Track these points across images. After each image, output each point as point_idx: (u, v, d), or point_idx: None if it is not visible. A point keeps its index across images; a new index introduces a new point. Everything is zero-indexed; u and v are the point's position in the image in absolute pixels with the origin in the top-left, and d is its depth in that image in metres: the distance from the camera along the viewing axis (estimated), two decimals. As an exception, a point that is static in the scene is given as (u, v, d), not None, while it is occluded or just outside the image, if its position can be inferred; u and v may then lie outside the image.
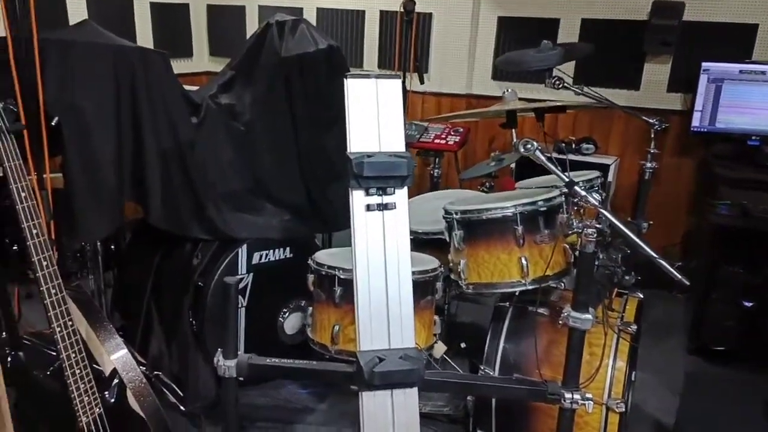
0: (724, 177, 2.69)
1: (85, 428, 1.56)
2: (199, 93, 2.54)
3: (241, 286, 2.29)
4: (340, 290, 1.80)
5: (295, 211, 2.54)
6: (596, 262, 1.77)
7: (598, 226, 1.46)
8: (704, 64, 2.86)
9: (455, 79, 3.59)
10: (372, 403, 1.43)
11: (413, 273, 1.49)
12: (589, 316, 1.48)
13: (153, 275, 2.40)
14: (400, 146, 1.48)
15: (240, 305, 2.31)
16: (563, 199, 1.74)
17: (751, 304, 2.61)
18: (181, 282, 2.30)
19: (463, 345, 2.57)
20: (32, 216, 1.45)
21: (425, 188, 2.96)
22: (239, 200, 2.42)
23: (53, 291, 1.50)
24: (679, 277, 1.42)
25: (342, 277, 1.80)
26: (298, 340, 2.47)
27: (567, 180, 1.51)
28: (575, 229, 1.49)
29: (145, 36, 3.80)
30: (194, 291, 2.26)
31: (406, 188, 1.46)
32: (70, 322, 1.53)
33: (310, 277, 1.99)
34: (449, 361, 2.35)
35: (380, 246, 1.46)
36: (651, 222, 2.37)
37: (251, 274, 2.32)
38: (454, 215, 1.78)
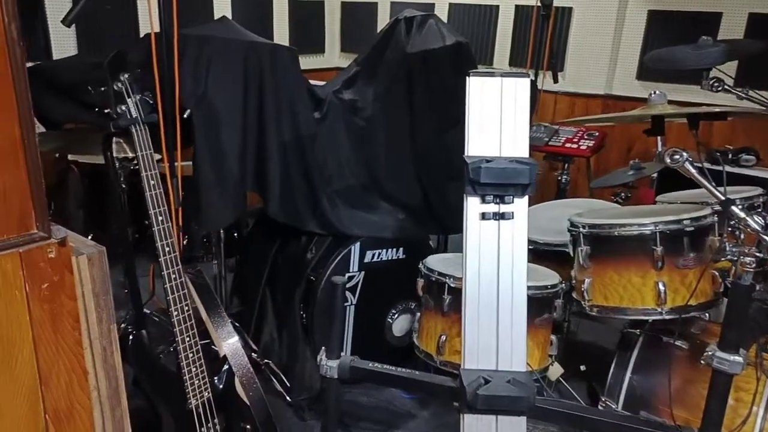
0: None
1: (194, 410, 1.61)
2: (324, 88, 2.56)
3: (351, 283, 2.28)
4: (449, 299, 1.71)
5: (410, 211, 2.48)
6: (752, 295, 1.51)
7: (758, 254, 1.24)
8: None
9: (593, 79, 3.32)
10: (474, 426, 1.33)
11: (529, 288, 1.36)
12: (739, 359, 1.25)
13: (270, 265, 2.47)
14: (522, 151, 1.35)
15: (349, 303, 2.30)
16: (715, 219, 1.51)
17: None
18: (294, 274, 2.33)
19: (582, 368, 2.37)
20: (159, 203, 1.52)
21: (550, 195, 2.76)
22: (354, 196, 2.41)
23: (173, 276, 1.56)
24: None
25: (452, 285, 1.70)
26: (405, 343, 2.41)
27: (722, 198, 1.29)
28: (729, 256, 1.27)
29: (281, 32, 3.95)
30: (306, 284, 2.28)
31: (526, 198, 1.33)
32: (188, 307, 1.59)
33: (420, 282, 1.91)
34: (565, 384, 2.16)
35: (494, 258, 1.34)
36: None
37: (362, 273, 2.30)
38: (581, 228, 1.61)
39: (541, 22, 2.91)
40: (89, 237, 2.74)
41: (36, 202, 1.06)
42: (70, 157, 2.59)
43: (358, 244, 2.27)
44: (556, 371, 1.89)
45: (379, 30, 3.95)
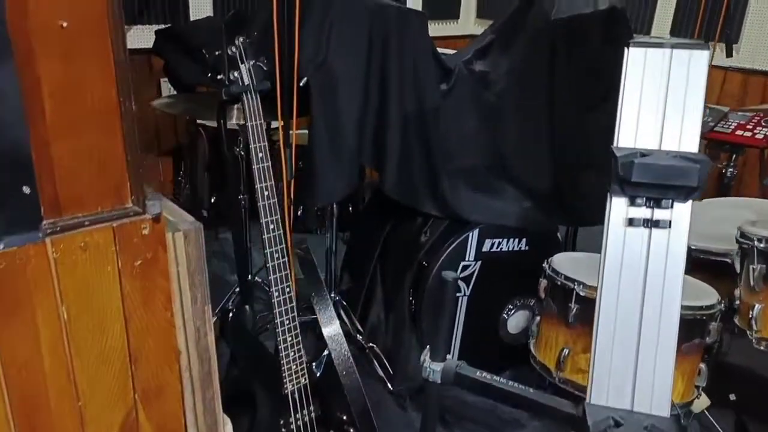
0: None
1: (289, 396, 1.55)
2: (454, 58, 2.36)
3: (466, 273, 2.10)
4: (576, 308, 1.47)
5: (538, 198, 2.23)
6: None
7: None
8: None
9: (776, 54, 2.79)
10: (595, 471, 1.11)
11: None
12: None
13: (382, 243, 2.35)
14: (691, 146, 1.07)
15: (462, 293, 2.12)
16: None
17: None
18: (406, 257, 2.20)
19: (732, 397, 2.02)
20: (266, 178, 1.43)
21: (710, 191, 2.35)
22: (477, 178, 2.21)
23: (276, 255, 1.48)
24: None
25: (581, 294, 1.47)
26: (520, 341, 2.20)
27: None
28: None
29: (414, -3, 3.76)
30: (417, 269, 2.14)
31: (690, 203, 1.06)
32: (289, 289, 1.51)
33: (543, 283, 1.69)
34: (709, 417, 1.84)
35: (640, 274, 1.10)
36: None
37: (479, 262, 2.10)
38: (756, 242, 1.29)
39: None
40: (212, 200, 2.79)
41: (132, 174, 0.99)
42: (198, 120, 2.64)
43: (476, 231, 2.07)
44: (701, 404, 1.60)
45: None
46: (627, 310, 1.11)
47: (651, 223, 1.08)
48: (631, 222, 1.08)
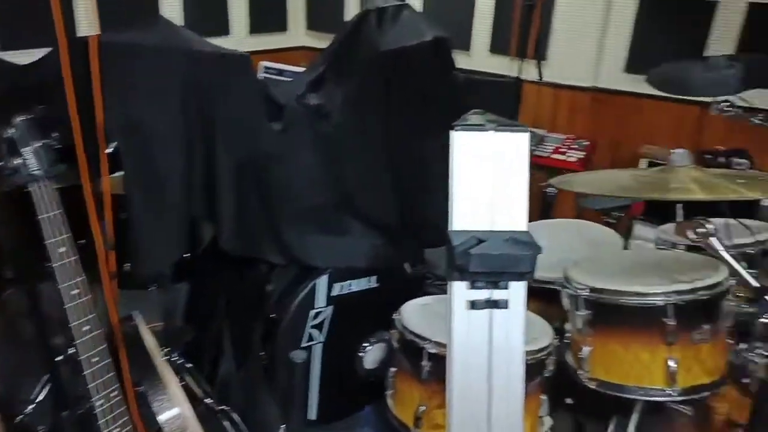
0: None
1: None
2: (287, 92, 2.25)
3: (318, 320, 2.04)
4: (428, 366, 1.49)
5: (385, 231, 2.23)
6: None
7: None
8: None
9: (579, 70, 3.07)
10: None
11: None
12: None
13: (226, 292, 2.21)
14: (520, 224, 1.10)
15: (316, 341, 2.06)
16: (731, 282, 1.30)
17: None
18: (253, 308, 2.09)
19: (568, 401, 2.20)
20: (71, 276, 1.23)
21: (533, 212, 2.53)
22: (323, 219, 2.14)
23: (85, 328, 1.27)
24: None
25: (432, 351, 1.48)
26: (378, 374, 2.21)
27: (756, 286, 1.08)
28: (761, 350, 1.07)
29: (238, 8, 3.56)
30: (266, 322, 2.04)
31: (524, 282, 1.10)
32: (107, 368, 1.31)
33: (394, 334, 1.68)
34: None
35: (485, 351, 1.12)
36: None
37: (331, 307, 2.06)
38: (581, 291, 1.39)
39: (524, 7, 2.62)
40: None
41: None
42: None
43: (325, 277, 2.02)
44: (545, 425, 1.71)
45: (349, 4, 3.61)
46: (477, 385, 1.13)
47: (492, 304, 1.10)
48: (473, 305, 1.09)
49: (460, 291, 1.10)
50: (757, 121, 1.63)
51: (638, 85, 2.94)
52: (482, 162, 1.10)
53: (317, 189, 2.17)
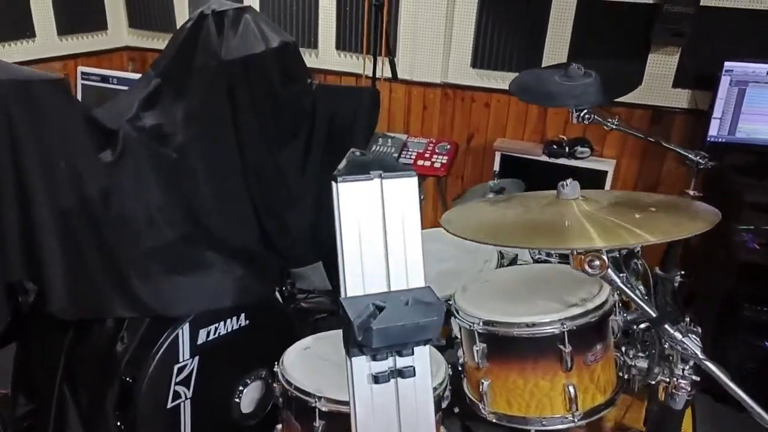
0: (747, 195, 2.34)
1: None
2: (117, 113, 1.92)
3: (183, 375, 1.79)
4: (322, 426, 1.34)
5: (249, 260, 2.02)
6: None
7: (694, 377, 1.05)
8: (727, 64, 2.44)
9: (428, 66, 3.05)
10: None
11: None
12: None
13: (64, 355, 1.86)
14: (418, 279, 0.99)
15: (184, 398, 1.81)
16: (615, 298, 1.32)
17: (773, 344, 2.34)
18: (102, 372, 1.77)
19: (456, 410, 2.19)
20: None
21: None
22: (176, 256, 1.87)
23: None
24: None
25: (324, 409, 1.33)
26: (256, 417, 2.02)
27: (654, 315, 1.08)
28: (659, 377, 1.07)
29: (41, 6, 3.01)
30: (120, 387, 1.74)
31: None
32: None
33: (277, 387, 1.51)
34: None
35: (393, 427, 1.00)
36: (683, 272, 1.97)
37: (197, 358, 1.81)
38: (475, 325, 1.32)
39: (375, 9, 2.52)
40: None
41: None
42: None
43: (187, 326, 1.77)
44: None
45: (176, 1, 3.24)
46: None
47: (397, 373, 0.98)
48: (376, 379, 0.96)
49: (360, 365, 0.96)
50: (613, 126, 1.68)
51: (485, 79, 3.00)
52: (370, 214, 0.97)
53: (165, 223, 1.88)
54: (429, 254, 1.51)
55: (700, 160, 1.74)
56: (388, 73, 2.99)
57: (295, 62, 2.17)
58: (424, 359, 0.99)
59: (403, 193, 0.98)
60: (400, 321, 0.90)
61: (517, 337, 1.27)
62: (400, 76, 3.04)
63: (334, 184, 0.95)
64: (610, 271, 1.06)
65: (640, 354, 1.49)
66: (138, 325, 1.76)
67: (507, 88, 2.90)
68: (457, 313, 1.40)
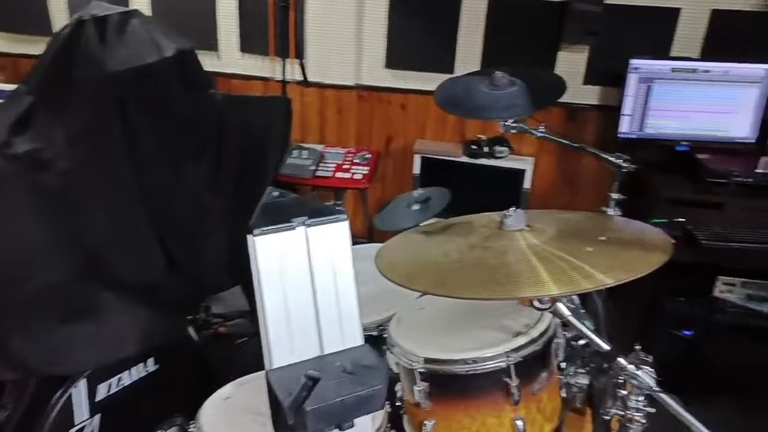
0: (659, 190, 2.40)
1: None
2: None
3: (83, 438, 1.56)
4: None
5: (154, 298, 1.80)
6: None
7: (649, 409, 1.00)
8: (633, 62, 2.48)
9: (341, 68, 2.90)
10: None
11: None
12: None
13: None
14: (356, 338, 0.86)
15: (85, 465, 1.58)
16: (557, 321, 1.24)
17: (691, 332, 2.41)
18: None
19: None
20: None
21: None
22: (64, 303, 1.63)
23: None
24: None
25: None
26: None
27: (607, 348, 1.01)
28: (614, 410, 1.01)
29: None
30: (7, 462, 1.49)
31: (372, 411, 0.86)
32: None
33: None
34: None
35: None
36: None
37: (98, 416, 1.59)
38: (415, 364, 1.21)
39: (280, 11, 2.34)
40: None
41: None
42: None
43: (82, 382, 1.54)
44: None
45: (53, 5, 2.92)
46: None
47: (334, 447, 0.84)
48: (313, 461, 0.82)
49: (294, 447, 0.81)
50: (539, 134, 1.63)
51: (401, 80, 2.90)
52: (296, 268, 0.82)
53: (49, 264, 1.63)
54: (358, 276, 1.38)
55: (623, 164, 1.72)
56: (299, 75, 2.82)
57: (194, 71, 1.97)
58: (367, 425, 0.86)
59: (332, 240, 0.84)
60: (338, 395, 0.77)
61: (461, 375, 1.18)
62: (311, 78, 2.88)
63: (250, 237, 0.79)
64: (560, 305, 0.98)
65: (580, 370, 1.45)
66: (23, 387, 1.51)
67: (423, 88, 2.87)
68: (394, 348, 1.29)
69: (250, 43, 2.86)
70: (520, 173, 2.83)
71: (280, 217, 0.82)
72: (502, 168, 2.82)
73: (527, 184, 2.84)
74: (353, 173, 2.12)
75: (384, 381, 0.80)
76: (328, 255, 0.83)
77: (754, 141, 2.50)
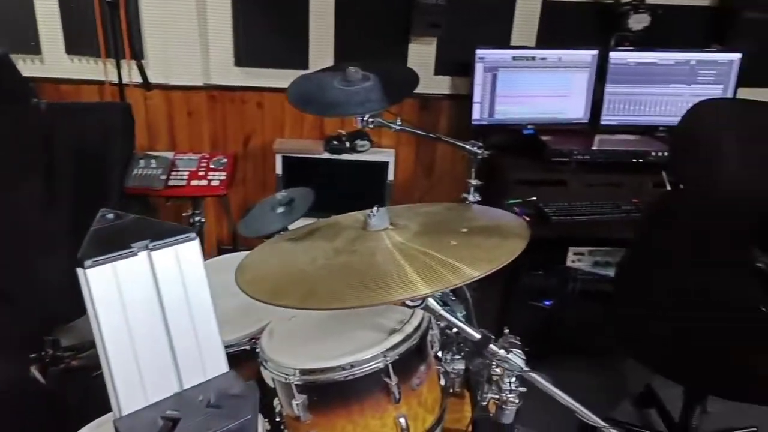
0: (511, 172, 2.54)
1: None
2: None
3: None
4: None
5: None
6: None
7: (522, 389, 1.03)
8: (478, 51, 2.59)
9: (187, 68, 2.72)
10: None
11: None
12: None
13: None
14: (219, 365, 0.78)
15: None
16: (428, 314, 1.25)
17: (550, 302, 2.59)
18: None
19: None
20: None
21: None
22: None
23: None
24: None
25: None
26: None
27: (478, 337, 1.02)
28: (489, 395, 1.03)
29: None
30: None
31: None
32: None
33: None
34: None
35: None
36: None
37: None
38: (291, 377, 1.15)
39: (108, 8, 2.13)
40: None
41: None
42: None
43: None
44: None
45: None
46: None
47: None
48: None
49: (158, 499, 0.72)
50: (397, 128, 1.63)
51: (254, 78, 2.79)
52: (141, 299, 0.73)
53: None
54: (221, 288, 1.29)
55: (478, 150, 1.78)
56: (139, 78, 2.60)
57: (10, 78, 1.74)
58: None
59: (181, 262, 0.76)
60: (203, 434, 0.69)
61: (339, 381, 1.14)
62: (154, 80, 2.66)
63: (80, 271, 0.69)
64: (430, 300, 0.98)
65: (456, 356, 1.48)
66: None
67: (278, 86, 2.78)
68: (267, 363, 1.22)
69: (76, 44, 2.58)
70: (384, 165, 2.85)
71: (116, 242, 0.72)
72: (366, 162, 2.83)
73: (391, 176, 2.87)
74: (210, 180, 1.99)
75: (254, 410, 0.74)
76: (178, 279, 0.75)
77: (587, 121, 2.73)
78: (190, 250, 0.76)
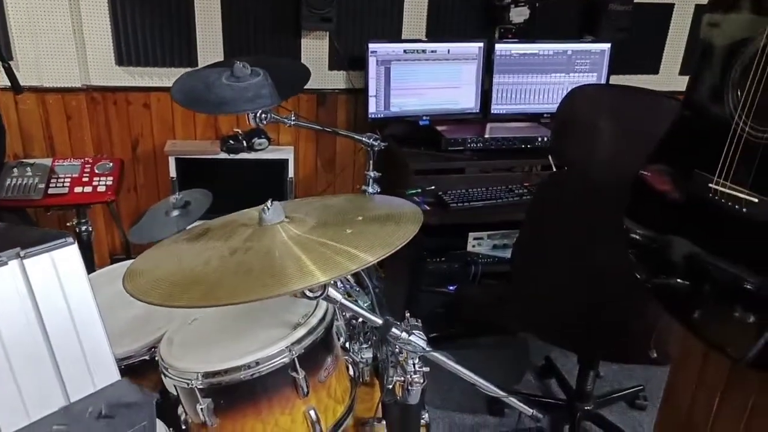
0: (409, 163, 2.60)
1: None
2: None
3: None
4: None
5: None
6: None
7: (425, 369, 1.06)
8: (371, 45, 2.62)
9: (62, 68, 2.54)
10: None
11: None
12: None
13: None
14: (107, 373, 0.74)
15: None
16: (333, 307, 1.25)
17: (455, 287, 2.68)
18: None
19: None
20: None
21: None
22: None
23: None
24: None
25: None
26: None
27: (380, 322, 1.04)
28: (395, 378, 1.06)
29: None
30: None
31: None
32: None
33: None
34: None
35: None
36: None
37: None
38: (194, 382, 1.11)
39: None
40: None
41: None
42: None
43: None
44: None
45: None
46: None
47: None
48: None
49: None
50: (291, 123, 1.61)
51: (138, 77, 2.66)
52: (14, 310, 0.67)
53: None
54: (117, 298, 1.22)
55: (374, 142, 1.81)
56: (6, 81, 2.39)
57: None
58: (142, 472, 0.76)
59: (59, 269, 0.71)
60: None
61: (245, 381, 1.11)
62: (25, 83, 2.45)
63: (-63, 285, 0.62)
64: (331, 290, 0.98)
65: (364, 345, 1.50)
66: None
67: (165, 85, 2.66)
68: (168, 370, 1.17)
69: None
70: (284, 163, 2.81)
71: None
72: (265, 160, 2.78)
73: (291, 173, 2.84)
74: (95, 186, 1.87)
75: (150, 417, 0.71)
76: (56, 287, 0.70)
77: (478, 111, 2.84)
78: (67, 255, 0.71)
